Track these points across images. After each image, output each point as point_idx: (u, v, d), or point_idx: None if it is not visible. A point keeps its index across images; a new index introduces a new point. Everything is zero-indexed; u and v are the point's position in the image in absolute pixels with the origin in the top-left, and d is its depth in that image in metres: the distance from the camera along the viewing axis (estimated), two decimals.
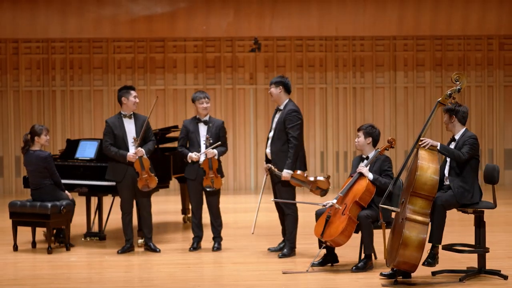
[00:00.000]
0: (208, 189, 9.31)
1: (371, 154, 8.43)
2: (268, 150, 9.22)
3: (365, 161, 8.41)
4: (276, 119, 9.19)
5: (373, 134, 8.45)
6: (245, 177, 16.21)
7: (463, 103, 15.92)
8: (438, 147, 7.60)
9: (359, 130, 8.51)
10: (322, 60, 16.21)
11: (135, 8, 15.43)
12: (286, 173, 9.02)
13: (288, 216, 9.18)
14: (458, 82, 7.77)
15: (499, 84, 16.36)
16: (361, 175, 8.31)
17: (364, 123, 15.87)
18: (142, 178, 9.24)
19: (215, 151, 9.27)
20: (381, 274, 7.85)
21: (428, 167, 7.45)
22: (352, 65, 16.22)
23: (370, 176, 8.26)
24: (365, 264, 8.18)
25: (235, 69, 16.13)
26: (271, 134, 9.19)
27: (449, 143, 7.89)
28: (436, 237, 7.56)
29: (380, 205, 7.73)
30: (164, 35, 15.78)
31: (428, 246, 7.52)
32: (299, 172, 9.05)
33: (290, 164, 9.00)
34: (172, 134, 11.33)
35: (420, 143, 7.64)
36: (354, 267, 8.18)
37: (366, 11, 15.67)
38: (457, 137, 7.79)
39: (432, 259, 7.57)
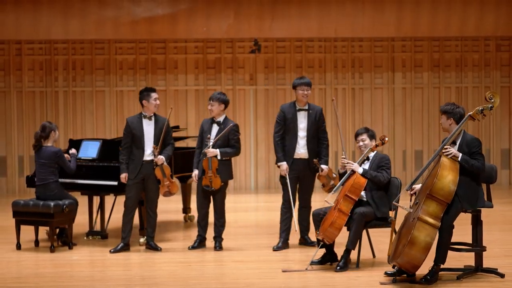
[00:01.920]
0: (206, 189, 9.34)
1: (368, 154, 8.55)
2: (303, 151, 9.35)
3: (359, 160, 8.50)
4: (305, 119, 9.34)
5: (375, 135, 8.61)
6: (245, 177, 16.27)
7: (461, 103, 16.11)
8: (459, 159, 7.62)
9: (361, 134, 8.57)
10: (321, 61, 16.26)
11: (137, 9, 15.47)
12: (326, 169, 9.28)
13: (307, 210, 9.52)
14: (492, 100, 7.83)
15: (496, 85, 16.40)
16: (353, 171, 8.40)
17: (362, 123, 16.01)
18: (164, 185, 9.36)
19: (216, 150, 9.29)
20: (386, 273, 7.89)
21: (448, 174, 7.51)
22: (351, 66, 16.27)
23: (360, 169, 8.36)
24: (345, 261, 8.23)
25: (235, 70, 16.18)
26: (304, 133, 9.33)
27: (451, 136, 7.89)
28: (442, 256, 7.60)
29: (394, 203, 7.86)
30: (165, 37, 15.82)
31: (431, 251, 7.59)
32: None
33: (327, 160, 9.35)
34: (173, 134, 11.39)
35: (443, 151, 7.67)
36: (337, 267, 8.23)
37: (365, 12, 15.72)
38: (457, 141, 7.79)
39: (432, 276, 7.60)
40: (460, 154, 7.64)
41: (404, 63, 16.36)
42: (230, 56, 16.18)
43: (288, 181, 9.36)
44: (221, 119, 9.43)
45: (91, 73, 16.02)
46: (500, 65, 16.42)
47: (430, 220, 7.45)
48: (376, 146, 8.47)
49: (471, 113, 7.78)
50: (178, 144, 12.01)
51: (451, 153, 7.64)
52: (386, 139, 8.53)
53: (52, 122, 9.77)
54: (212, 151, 9.29)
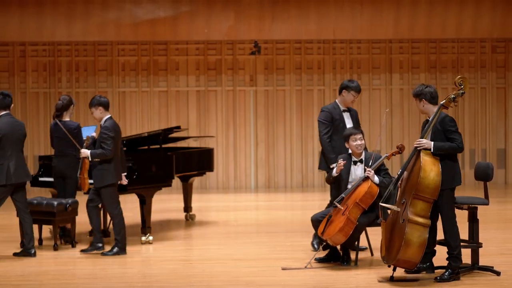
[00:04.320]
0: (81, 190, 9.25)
1: (365, 155, 8.51)
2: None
3: (372, 165, 8.36)
4: (350, 120, 9.15)
5: (363, 133, 8.61)
6: (245, 176, 16.31)
7: (458, 103, 16.17)
8: (432, 150, 7.52)
9: (357, 133, 8.47)
10: (320, 63, 16.30)
11: (139, 12, 15.53)
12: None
13: None
14: (461, 86, 7.72)
15: (492, 86, 16.46)
16: (367, 178, 8.30)
17: (360, 123, 16.05)
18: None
19: (86, 151, 9.12)
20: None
21: (431, 170, 7.44)
22: (349, 67, 16.29)
23: (376, 179, 8.28)
24: (348, 256, 8.41)
25: (236, 71, 16.22)
26: None
27: (424, 125, 7.80)
28: (456, 246, 7.65)
29: (380, 204, 7.80)
30: (167, 38, 15.89)
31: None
32: None
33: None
34: (174, 135, 11.47)
35: (415, 144, 7.61)
36: (344, 262, 8.38)
37: (363, 15, 15.77)
38: (431, 118, 7.67)
39: (450, 275, 7.64)
40: (432, 144, 7.53)
41: (402, 64, 16.41)
42: (230, 57, 16.25)
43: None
44: (101, 122, 9.30)
45: (94, 74, 16.10)
46: (496, 66, 16.45)
47: (420, 220, 7.44)
48: (393, 154, 8.34)
49: (443, 102, 7.63)
50: (179, 144, 12.15)
51: (422, 146, 7.54)
52: (403, 149, 8.28)
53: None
54: (83, 152, 9.16)
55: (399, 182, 7.81)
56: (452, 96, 7.66)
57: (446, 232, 7.65)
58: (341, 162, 8.50)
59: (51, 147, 10.23)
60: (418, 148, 7.60)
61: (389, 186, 8.02)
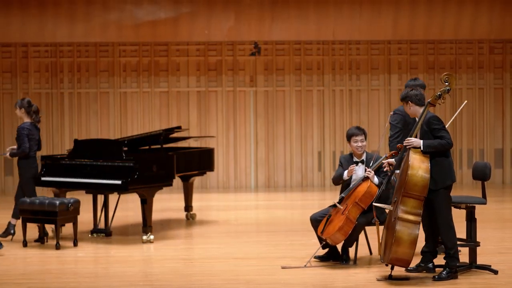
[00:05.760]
0: None
1: (366, 156, 8.57)
2: None
3: (372, 165, 8.41)
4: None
5: (366, 134, 8.67)
6: (245, 176, 16.36)
7: (455, 104, 16.22)
8: (422, 149, 7.54)
9: (359, 135, 8.49)
10: (320, 63, 16.35)
11: (140, 13, 15.57)
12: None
13: None
14: (447, 83, 7.69)
15: (490, 87, 16.49)
16: (366, 178, 8.35)
17: (359, 124, 16.04)
18: None
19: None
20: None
21: (419, 167, 7.44)
22: (348, 68, 16.34)
23: (376, 180, 8.33)
24: (347, 255, 8.45)
25: (236, 72, 16.27)
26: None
27: (414, 127, 7.75)
28: (452, 243, 7.65)
29: (374, 204, 7.84)
30: (168, 39, 15.94)
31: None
32: None
33: None
34: (175, 135, 11.52)
35: (405, 143, 7.64)
36: (343, 261, 8.42)
37: (362, 16, 15.80)
38: (419, 117, 7.68)
39: (448, 274, 7.69)
40: (421, 143, 7.56)
41: (400, 65, 16.44)
42: (230, 58, 16.30)
43: None
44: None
45: (95, 75, 16.14)
46: (493, 67, 16.49)
47: (410, 217, 7.45)
48: (393, 155, 8.25)
49: (430, 99, 7.62)
50: (180, 144, 12.22)
51: (411, 145, 7.56)
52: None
53: (22, 100, 10.40)
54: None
55: (392, 180, 7.87)
56: (438, 93, 7.66)
57: (442, 232, 7.69)
58: (353, 166, 8.54)
59: (36, 148, 10.45)
60: (407, 147, 7.62)
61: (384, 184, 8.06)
